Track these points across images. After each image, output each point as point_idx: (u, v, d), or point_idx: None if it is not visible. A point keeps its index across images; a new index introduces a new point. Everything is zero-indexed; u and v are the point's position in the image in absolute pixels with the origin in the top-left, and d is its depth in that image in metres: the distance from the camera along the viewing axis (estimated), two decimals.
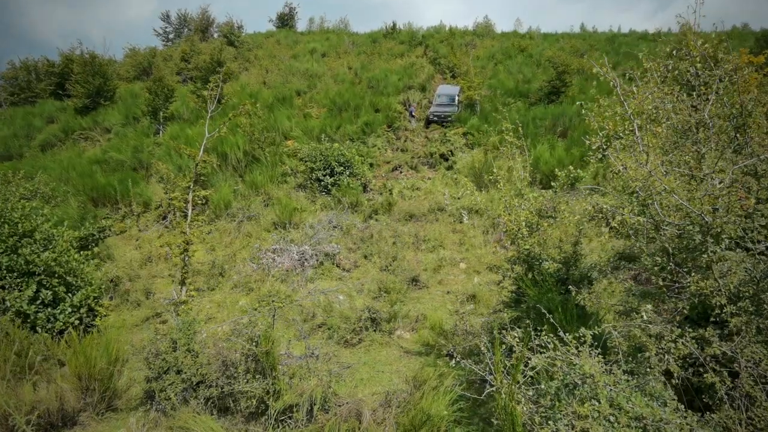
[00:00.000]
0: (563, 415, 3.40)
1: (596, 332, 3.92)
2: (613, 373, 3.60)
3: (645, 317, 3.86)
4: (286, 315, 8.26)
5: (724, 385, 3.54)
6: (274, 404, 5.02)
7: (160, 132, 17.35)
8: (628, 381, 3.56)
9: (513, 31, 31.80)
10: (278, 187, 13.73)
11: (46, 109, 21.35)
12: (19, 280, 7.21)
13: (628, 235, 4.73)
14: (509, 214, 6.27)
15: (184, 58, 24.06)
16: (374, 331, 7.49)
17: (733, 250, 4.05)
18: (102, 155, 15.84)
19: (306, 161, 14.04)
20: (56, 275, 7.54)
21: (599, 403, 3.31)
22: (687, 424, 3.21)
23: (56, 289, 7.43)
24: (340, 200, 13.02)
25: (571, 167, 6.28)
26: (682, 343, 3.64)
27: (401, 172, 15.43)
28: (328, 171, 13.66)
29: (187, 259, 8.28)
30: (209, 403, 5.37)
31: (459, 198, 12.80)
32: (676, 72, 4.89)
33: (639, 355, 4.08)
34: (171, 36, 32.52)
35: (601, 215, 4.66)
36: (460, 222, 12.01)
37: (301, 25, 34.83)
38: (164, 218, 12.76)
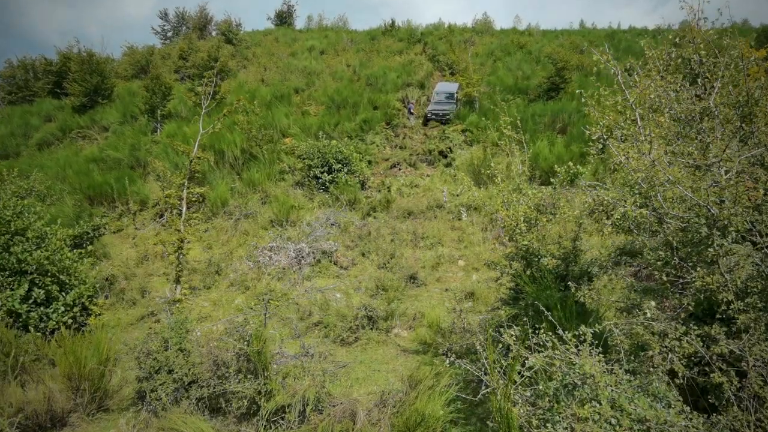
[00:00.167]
0: (562, 418, 3.26)
1: (596, 330, 3.79)
2: (615, 373, 3.48)
3: (648, 314, 3.72)
4: (282, 313, 8.14)
5: (732, 386, 3.42)
6: (266, 405, 4.91)
7: (158, 130, 17.26)
8: (630, 381, 3.44)
9: (512, 28, 31.50)
10: (276, 184, 13.62)
11: (44, 108, 21.27)
12: (10, 279, 7.11)
13: (630, 230, 4.58)
14: (507, 209, 6.12)
15: (182, 56, 23.93)
16: (371, 329, 7.38)
17: (741, 243, 3.92)
18: (99, 153, 15.76)
19: (304, 159, 13.93)
20: (49, 274, 7.44)
21: (600, 404, 3.18)
22: (692, 426, 3.09)
23: (49, 287, 7.33)
24: (338, 198, 12.91)
25: (570, 163, 6.14)
26: (687, 341, 3.52)
27: (400, 170, 15.31)
28: (326, 168, 13.54)
29: (181, 257, 8.19)
30: (201, 403, 5.29)
31: (458, 195, 12.67)
32: (679, 60, 4.74)
33: (641, 353, 3.95)
34: (169, 34, 32.37)
35: (601, 208, 4.51)
36: (459, 219, 11.88)
37: (299, 23, 34.70)
38: (161, 216, 12.67)
